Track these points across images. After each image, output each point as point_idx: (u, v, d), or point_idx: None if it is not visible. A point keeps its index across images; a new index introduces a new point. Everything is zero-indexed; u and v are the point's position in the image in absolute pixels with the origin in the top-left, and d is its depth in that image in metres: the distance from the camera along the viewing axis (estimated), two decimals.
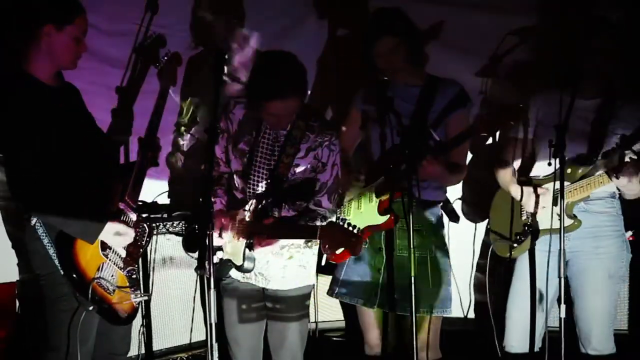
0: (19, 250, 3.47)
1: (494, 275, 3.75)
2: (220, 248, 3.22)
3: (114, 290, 3.12)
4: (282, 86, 3.02)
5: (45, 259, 3.03)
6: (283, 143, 3.21)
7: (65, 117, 3.10)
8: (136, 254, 3.25)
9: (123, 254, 3.18)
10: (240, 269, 3.22)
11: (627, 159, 3.33)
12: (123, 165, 3.52)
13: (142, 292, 3.70)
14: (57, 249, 3.01)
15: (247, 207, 3.21)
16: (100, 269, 3.08)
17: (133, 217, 3.20)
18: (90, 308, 3.01)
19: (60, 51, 3.06)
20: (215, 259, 3.18)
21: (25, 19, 3.04)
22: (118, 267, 3.16)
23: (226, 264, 3.24)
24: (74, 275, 2.99)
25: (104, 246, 3.10)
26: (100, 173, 3.17)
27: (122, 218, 3.14)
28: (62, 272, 3.00)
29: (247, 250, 3.18)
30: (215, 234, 3.18)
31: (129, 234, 3.15)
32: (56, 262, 3.01)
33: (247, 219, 3.19)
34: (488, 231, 3.90)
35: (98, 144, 3.22)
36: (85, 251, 3.04)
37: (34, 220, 3.04)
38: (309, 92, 4.53)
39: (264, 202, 3.19)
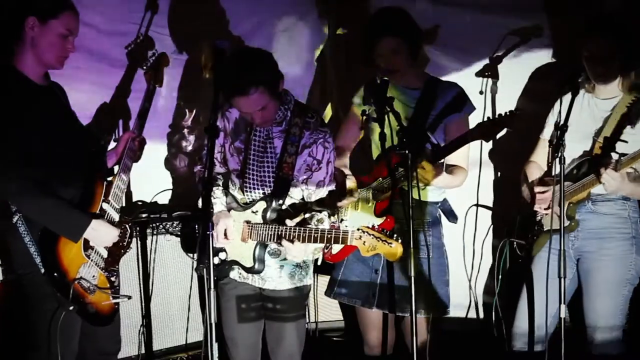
0: (1, 248, 3.44)
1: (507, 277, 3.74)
2: (222, 249, 3.21)
3: (94, 291, 3.09)
4: (240, 82, 2.97)
5: (27, 258, 3.00)
6: (284, 142, 3.21)
7: (50, 116, 3.06)
8: (118, 254, 3.22)
9: (105, 254, 3.15)
10: (250, 270, 3.20)
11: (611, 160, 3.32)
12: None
13: (142, 292, 3.72)
14: (40, 247, 2.98)
15: (254, 209, 3.20)
16: (81, 268, 3.05)
17: (116, 217, 3.17)
18: (71, 308, 2.98)
19: (44, 47, 3.00)
20: (217, 260, 3.19)
21: (9, 10, 2.98)
22: (99, 268, 3.13)
23: (230, 266, 3.23)
24: (55, 275, 2.97)
25: (87, 246, 3.07)
26: (85, 173, 3.14)
27: (105, 218, 3.12)
28: (42, 271, 2.97)
29: (257, 251, 3.17)
30: (220, 236, 3.17)
31: (112, 234, 3.13)
32: (37, 260, 2.98)
33: (256, 221, 3.18)
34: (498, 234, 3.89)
35: (82, 145, 3.19)
36: (68, 250, 3.02)
37: (15, 218, 3.00)
38: (310, 90, 4.63)
39: (273, 204, 3.18)
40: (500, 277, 3.68)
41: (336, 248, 3.46)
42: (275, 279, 3.28)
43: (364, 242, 2.95)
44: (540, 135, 3.67)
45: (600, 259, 3.45)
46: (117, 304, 3.23)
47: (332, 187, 3.28)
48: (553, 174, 3.55)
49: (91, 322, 3.13)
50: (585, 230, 3.42)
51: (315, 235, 3.01)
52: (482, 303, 4.37)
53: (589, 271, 3.48)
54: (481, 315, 4.38)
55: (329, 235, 3.01)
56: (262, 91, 3.00)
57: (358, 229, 2.97)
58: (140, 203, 3.89)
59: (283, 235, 3.05)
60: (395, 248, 2.93)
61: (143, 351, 3.89)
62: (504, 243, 3.67)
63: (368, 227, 2.97)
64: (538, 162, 3.67)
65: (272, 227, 3.11)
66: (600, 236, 3.46)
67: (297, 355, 3.36)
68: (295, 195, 3.25)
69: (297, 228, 3.05)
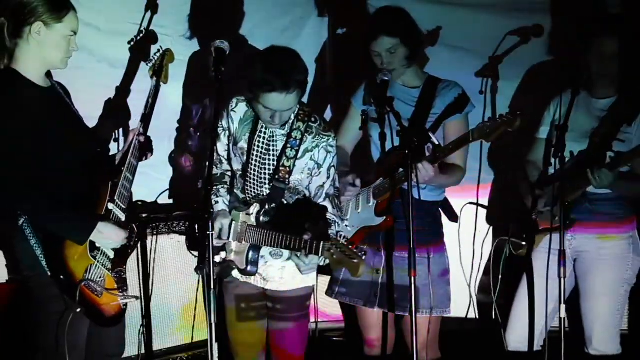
0: (8, 250, 3.43)
1: (508, 277, 3.74)
2: (223, 248, 3.21)
3: (101, 292, 3.07)
4: (284, 79, 2.98)
5: (33, 260, 2.98)
6: (284, 146, 3.19)
7: (54, 116, 3.05)
8: (125, 254, 3.20)
9: (111, 255, 3.14)
10: (243, 272, 3.20)
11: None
12: (114, 165, 3.48)
13: (142, 292, 3.71)
14: (45, 249, 2.97)
15: (250, 211, 3.19)
16: (88, 270, 3.04)
17: (122, 217, 3.15)
18: (78, 310, 2.97)
19: (51, 50, 3.00)
20: (218, 259, 3.18)
21: (14, 16, 2.97)
22: (106, 269, 3.11)
23: (229, 265, 3.23)
24: (62, 277, 2.96)
25: (93, 247, 3.05)
26: (90, 173, 3.12)
27: (111, 219, 3.10)
28: (49, 274, 2.96)
29: (250, 254, 3.16)
30: (215, 235, 3.17)
31: (120, 235, 3.11)
32: (44, 263, 2.97)
33: (250, 223, 3.17)
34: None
35: (87, 145, 3.18)
36: (73, 252, 3.00)
37: (21, 221, 2.99)
38: (310, 90, 4.62)
39: (266, 207, 3.17)
40: (499, 276, 3.68)
41: None
42: (277, 280, 3.27)
43: (333, 254, 2.85)
44: (536, 134, 3.67)
45: (598, 259, 3.47)
46: (125, 304, 3.22)
47: (332, 191, 3.25)
48: (549, 173, 3.59)
49: (99, 323, 3.12)
50: (585, 229, 3.42)
51: (289, 243, 2.98)
52: (476, 303, 4.37)
53: (587, 271, 3.49)
54: (477, 315, 4.38)
55: (303, 245, 2.94)
56: (298, 92, 3.02)
57: (329, 241, 2.87)
58: (140, 203, 3.88)
59: (265, 241, 3.05)
60: (357, 264, 2.80)
61: (143, 351, 3.89)
62: (501, 242, 3.68)
63: (338, 241, 2.88)
64: (536, 162, 3.67)
65: (258, 231, 3.10)
66: (599, 236, 3.46)
67: (300, 356, 3.36)
68: (292, 199, 3.25)
69: (276, 234, 3.02)
